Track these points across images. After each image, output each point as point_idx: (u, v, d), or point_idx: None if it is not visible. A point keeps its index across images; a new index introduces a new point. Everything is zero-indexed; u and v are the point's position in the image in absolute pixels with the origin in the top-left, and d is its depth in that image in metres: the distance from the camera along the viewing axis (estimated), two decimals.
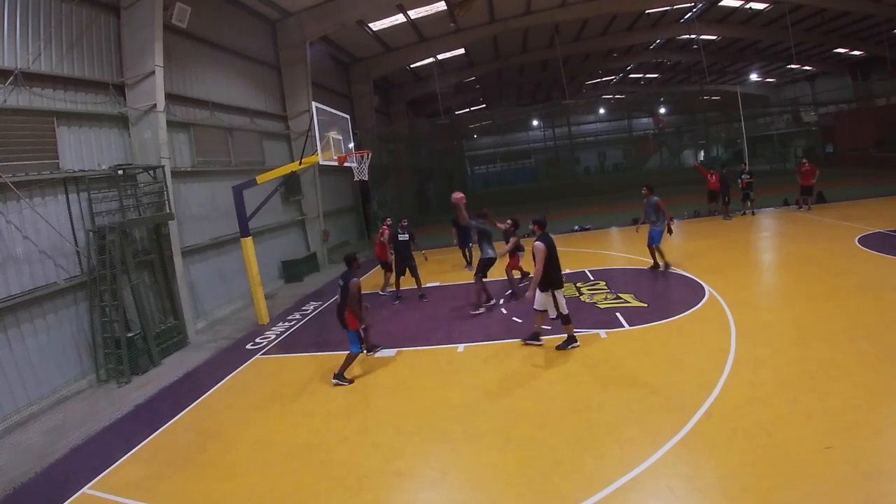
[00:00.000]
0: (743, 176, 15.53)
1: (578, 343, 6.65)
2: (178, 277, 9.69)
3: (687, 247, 11.05)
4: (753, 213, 15.66)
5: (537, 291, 6.46)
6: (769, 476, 3.69)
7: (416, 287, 10.36)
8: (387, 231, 10.81)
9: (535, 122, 37.82)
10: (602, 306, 8.29)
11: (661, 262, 10.02)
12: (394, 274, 10.61)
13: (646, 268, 10.29)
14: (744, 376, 5.25)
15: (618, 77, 39.94)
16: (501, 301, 9.26)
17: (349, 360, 6.60)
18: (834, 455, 3.80)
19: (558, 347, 6.66)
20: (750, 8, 22.86)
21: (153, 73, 9.30)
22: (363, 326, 6.60)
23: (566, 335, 6.69)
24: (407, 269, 10.30)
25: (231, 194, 10.18)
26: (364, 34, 19.09)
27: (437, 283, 11.41)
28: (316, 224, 16.67)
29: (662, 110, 33.44)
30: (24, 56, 7.53)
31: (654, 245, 9.90)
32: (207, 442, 5.50)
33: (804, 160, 16.35)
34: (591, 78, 38.99)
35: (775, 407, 4.58)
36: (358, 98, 22.46)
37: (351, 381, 6.57)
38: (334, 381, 6.52)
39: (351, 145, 11.29)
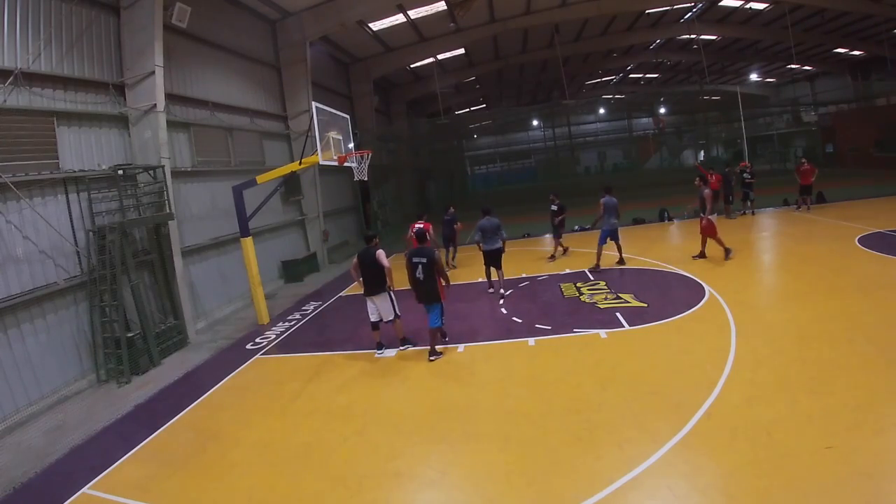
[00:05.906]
0: (745, 175, 15.58)
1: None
2: (178, 277, 9.69)
3: (687, 246, 11.02)
4: (753, 213, 15.68)
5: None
6: (769, 476, 3.68)
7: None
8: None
9: (535, 122, 37.88)
10: (602, 306, 8.28)
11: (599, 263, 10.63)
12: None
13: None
14: (744, 376, 5.25)
15: (618, 77, 39.92)
16: (501, 301, 9.25)
17: (434, 335, 6.95)
18: (834, 455, 3.80)
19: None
20: (750, 8, 22.86)
21: (153, 73, 9.30)
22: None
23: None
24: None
25: (231, 194, 10.18)
26: (364, 34, 19.08)
27: None
28: (316, 224, 16.66)
29: (662, 110, 33.46)
30: (24, 56, 7.53)
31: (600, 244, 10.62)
32: (207, 442, 5.49)
33: (803, 159, 16.42)
34: (591, 78, 38.98)
35: (775, 407, 4.58)
36: (358, 98, 22.45)
37: (441, 353, 6.95)
38: (431, 358, 6.85)
39: (351, 145, 11.28)
